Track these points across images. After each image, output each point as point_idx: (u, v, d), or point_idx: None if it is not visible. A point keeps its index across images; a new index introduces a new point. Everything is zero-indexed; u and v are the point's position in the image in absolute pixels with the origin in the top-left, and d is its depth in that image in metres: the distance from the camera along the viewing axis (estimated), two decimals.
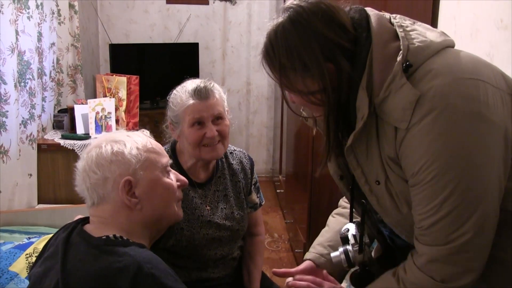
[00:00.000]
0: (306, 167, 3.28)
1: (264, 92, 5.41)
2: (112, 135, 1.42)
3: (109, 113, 3.37)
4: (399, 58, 1.21)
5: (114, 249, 1.23)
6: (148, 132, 1.49)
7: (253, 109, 5.49)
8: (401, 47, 1.22)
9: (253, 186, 2.09)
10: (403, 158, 1.23)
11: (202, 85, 1.84)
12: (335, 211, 1.78)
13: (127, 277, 1.16)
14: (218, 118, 1.88)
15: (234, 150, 2.11)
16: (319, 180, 3.11)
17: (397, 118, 1.20)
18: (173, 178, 1.45)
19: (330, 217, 1.77)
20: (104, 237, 1.28)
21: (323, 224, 1.79)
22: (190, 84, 1.87)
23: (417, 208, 1.23)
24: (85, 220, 1.39)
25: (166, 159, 1.43)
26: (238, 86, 5.39)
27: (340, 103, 1.28)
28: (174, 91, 1.92)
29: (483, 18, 1.72)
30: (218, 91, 1.90)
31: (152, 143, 1.42)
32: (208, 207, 1.95)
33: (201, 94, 1.84)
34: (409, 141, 1.20)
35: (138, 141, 1.39)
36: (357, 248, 1.48)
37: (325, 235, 1.72)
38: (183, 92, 1.87)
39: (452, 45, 1.29)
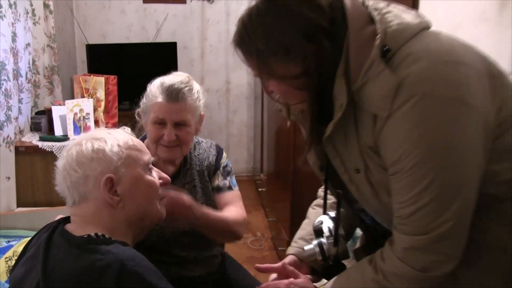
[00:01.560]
0: (288, 165, 3.27)
1: (243, 91, 5.40)
2: (92, 132, 1.40)
3: (88, 114, 3.34)
4: (376, 43, 1.17)
5: (96, 248, 1.21)
6: (129, 129, 1.48)
7: (232, 108, 5.47)
8: (378, 30, 1.18)
9: (219, 170, 2.03)
10: (382, 147, 1.21)
11: (177, 86, 1.82)
12: (315, 202, 1.75)
13: (111, 275, 1.15)
14: (181, 124, 1.85)
15: (202, 141, 2.08)
16: (300, 177, 3.09)
17: (377, 106, 1.17)
18: (155, 175, 1.44)
19: (310, 209, 1.74)
20: (86, 236, 1.26)
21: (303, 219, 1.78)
22: (169, 80, 1.85)
23: (396, 197, 1.21)
24: (67, 220, 1.37)
25: (148, 156, 1.42)
26: (218, 85, 5.36)
27: (320, 87, 1.23)
28: (155, 80, 1.90)
29: (464, 11, 1.68)
30: (192, 97, 1.86)
31: (133, 140, 1.40)
32: None
33: (171, 96, 1.82)
34: (389, 129, 1.17)
35: (119, 138, 1.37)
36: (332, 240, 1.46)
37: (306, 228, 1.70)
38: (157, 86, 1.86)
39: (429, 27, 1.25)
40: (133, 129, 1.58)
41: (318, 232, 1.50)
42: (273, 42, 1.18)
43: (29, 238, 1.43)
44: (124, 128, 1.47)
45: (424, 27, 1.23)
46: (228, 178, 2.02)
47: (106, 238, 1.27)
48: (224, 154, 2.06)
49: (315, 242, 1.50)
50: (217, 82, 5.35)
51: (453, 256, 1.20)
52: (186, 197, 1.65)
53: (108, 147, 1.33)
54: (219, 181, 2.00)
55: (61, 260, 1.22)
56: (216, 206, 1.97)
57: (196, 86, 1.89)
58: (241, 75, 5.29)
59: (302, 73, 1.21)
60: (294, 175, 3.16)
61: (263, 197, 4.64)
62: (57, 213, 1.53)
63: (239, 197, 2.02)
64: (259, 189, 4.76)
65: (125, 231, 1.33)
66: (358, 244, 1.67)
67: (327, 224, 1.49)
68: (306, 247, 1.52)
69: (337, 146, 1.31)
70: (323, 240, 1.48)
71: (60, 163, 1.35)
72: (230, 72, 5.33)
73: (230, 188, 2.00)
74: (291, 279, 1.54)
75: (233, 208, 1.93)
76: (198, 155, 2.02)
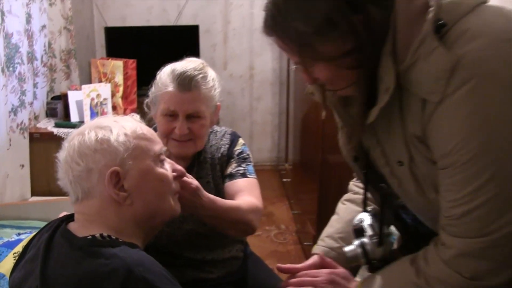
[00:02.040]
0: (315, 154, 3.19)
1: (268, 77, 5.31)
2: (97, 120, 1.31)
3: (105, 99, 3.29)
4: (429, 16, 1.07)
5: (100, 251, 1.12)
6: (138, 116, 1.38)
7: (256, 95, 5.37)
8: (431, 2, 1.08)
9: (233, 158, 1.89)
10: (431, 137, 1.11)
11: (189, 73, 1.71)
12: (345, 196, 1.65)
13: (116, 282, 1.06)
14: (194, 116, 1.75)
15: (217, 130, 1.96)
16: (329, 168, 3.03)
17: (427, 89, 1.07)
18: (168, 168, 1.35)
19: (340, 204, 1.65)
20: (90, 237, 1.17)
21: (333, 214, 1.68)
22: (180, 66, 1.75)
23: (446, 194, 1.11)
24: (70, 218, 1.29)
25: (159, 146, 1.32)
26: (241, 71, 5.28)
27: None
28: (165, 67, 1.80)
29: None
30: (207, 85, 1.75)
31: (142, 128, 1.30)
32: None
33: (183, 84, 1.71)
34: (440, 116, 1.07)
35: (127, 126, 1.28)
36: (376, 240, 1.36)
37: (335, 225, 1.60)
38: (167, 73, 1.76)
39: (486, 1, 1.13)
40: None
41: (359, 231, 1.40)
42: (314, 19, 1.07)
43: (33, 235, 1.35)
44: (133, 115, 1.38)
45: (482, 1, 1.11)
46: (244, 165, 1.88)
47: (112, 239, 1.18)
48: (240, 141, 1.93)
49: (356, 242, 1.40)
50: (240, 68, 5.27)
51: (509, 264, 1.09)
52: (192, 179, 1.52)
53: (113, 136, 1.24)
54: (232, 168, 1.86)
55: (61, 264, 1.14)
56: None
57: (211, 73, 1.79)
58: (265, 61, 5.22)
59: (353, 48, 1.10)
60: (322, 165, 3.08)
61: (287, 188, 4.56)
62: (66, 204, 1.46)
63: (255, 185, 1.84)
64: (284, 180, 4.66)
65: (133, 231, 1.25)
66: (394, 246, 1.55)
67: (367, 221, 1.41)
68: (347, 248, 1.42)
69: (378, 134, 1.22)
70: (366, 240, 1.38)
71: (61, 155, 1.27)
72: (254, 57, 5.24)
73: (244, 175, 1.84)
74: (331, 269, 1.45)
75: (246, 197, 1.76)
76: (211, 146, 1.91)
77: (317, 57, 1.12)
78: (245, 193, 1.77)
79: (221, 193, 1.82)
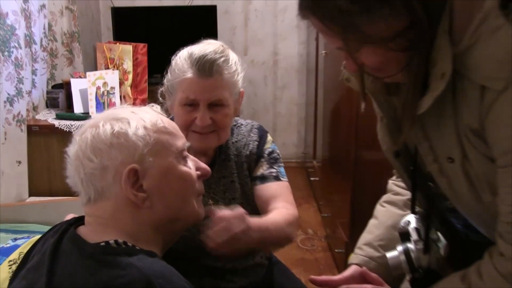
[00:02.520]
0: (348, 150, 3.16)
1: (294, 64, 5.30)
2: (112, 111, 1.31)
3: (112, 88, 3.25)
4: None
5: (115, 260, 1.11)
6: (158, 107, 1.38)
7: (281, 84, 5.38)
8: None
9: (264, 158, 1.88)
10: (491, 130, 1.07)
11: (210, 56, 1.71)
12: (385, 198, 1.64)
13: None
14: (216, 104, 1.74)
15: (241, 124, 1.96)
16: (363, 165, 3.01)
17: (488, 74, 1.04)
18: (192, 166, 1.34)
19: (378, 206, 1.64)
20: (103, 243, 1.16)
21: (368, 218, 1.66)
22: (199, 49, 1.74)
23: (506, 196, 1.09)
24: (80, 221, 1.28)
25: (182, 142, 1.32)
26: (264, 57, 5.28)
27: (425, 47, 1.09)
28: (181, 51, 1.79)
29: None
30: (229, 70, 1.75)
31: (164, 120, 1.31)
32: (211, 201, 1.83)
33: (204, 69, 1.71)
34: (503, 107, 1.03)
35: (146, 118, 1.28)
36: (422, 246, 1.34)
37: (374, 231, 1.58)
38: (185, 58, 1.75)
39: None
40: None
41: (404, 235, 1.38)
42: None
43: (37, 238, 1.35)
44: (153, 106, 1.38)
45: None
46: (276, 166, 1.88)
47: (129, 247, 1.17)
48: (269, 138, 1.93)
49: (400, 248, 1.38)
50: (263, 53, 5.27)
51: None
52: (238, 209, 1.51)
53: (131, 129, 1.24)
54: (264, 170, 1.87)
55: (70, 275, 1.12)
56: (254, 202, 1.85)
57: (233, 56, 1.79)
58: (291, 45, 5.21)
59: (406, 27, 1.07)
60: (355, 161, 3.05)
61: (315, 188, 4.55)
62: (76, 205, 1.44)
63: (288, 189, 1.86)
64: (311, 178, 4.65)
65: (152, 237, 1.25)
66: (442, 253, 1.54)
67: (413, 225, 1.39)
68: (389, 255, 1.40)
69: (426, 127, 1.21)
70: (411, 245, 1.36)
71: (71, 150, 1.27)
72: (279, 41, 5.25)
73: (277, 178, 1.85)
74: (377, 286, 1.44)
75: (281, 204, 1.77)
76: (235, 142, 1.91)
77: (364, 39, 1.09)
78: (280, 199, 1.79)
79: (247, 194, 1.85)
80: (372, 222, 1.62)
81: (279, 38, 5.22)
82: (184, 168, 1.30)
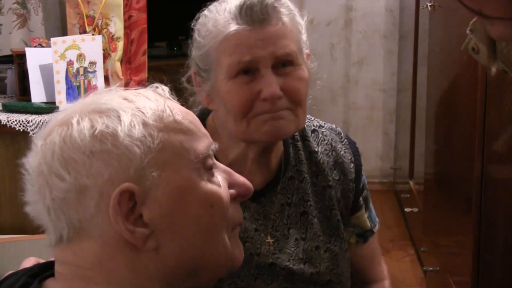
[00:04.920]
0: (469, 165, 2.66)
1: (378, 25, 4.33)
2: (93, 99, 1.12)
3: (93, 63, 2.81)
4: None
5: None
6: (165, 88, 1.17)
7: (357, 57, 4.38)
8: None
9: (361, 198, 1.70)
10: None
11: None
12: None
13: None
14: (285, 64, 1.50)
15: (320, 126, 1.72)
16: (494, 187, 2.51)
17: None
18: (222, 181, 1.13)
19: None
20: None
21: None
22: None
23: None
24: (47, 270, 1.11)
25: (205, 143, 1.11)
26: (330, 14, 4.32)
27: None
28: (205, 11, 1.57)
29: None
30: (289, 11, 1.54)
31: (174, 110, 1.10)
32: (270, 239, 1.63)
33: (253, 14, 1.49)
34: None
35: (147, 109, 1.08)
36: None
37: None
38: (220, 11, 1.53)
39: None
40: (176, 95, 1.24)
41: None
42: None
43: None
44: (157, 88, 1.16)
45: None
46: (367, 211, 1.72)
47: None
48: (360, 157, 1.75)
49: None
50: (329, 8, 4.32)
51: None
52: None
53: (123, 128, 1.03)
54: (362, 218, 1.73)
55: None
56: (346, 258, 1.67)
57: (288, 1, 1.59)
58: None
59: None
60: (482, 184, 2.54)
61: (413, 224, 3.83)
62: (34, 247, 1.43)
63: (377, 242, 1.79)
64: (406, 209, 3.90)
65: None
66: None
67: None
68: None
69: None
70: None
71: (31, 162, 1.08)
72: None
73: (371, 231, 1.72)
74: None
75: (375, 271, 1.74)
76: (312, 153, 1.67)
77: None
78: (377, 259, 1.77)
79: (334, 224, 1.65)
80: None
81: None
82: (210, 186, 1.11)
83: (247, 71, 1.49)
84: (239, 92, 1.50)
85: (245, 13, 1.46)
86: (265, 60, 1.47)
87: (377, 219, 1.75)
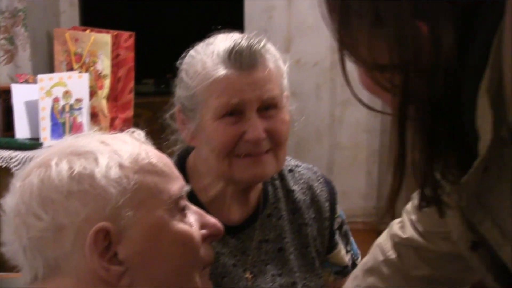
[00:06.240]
0: None
1: None
2: (72, 142, 1.17)
3: (79, 100, 2.98)
4: None
5: None
6: (141, 133, 1.23)
7: (342, 97, 4.46)
8: None
9: (337, 232, 1.74)
10: None
11: (244, 43, 1.52)
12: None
13: None
14: (269, 107, 1.55)
15: (297, 165, 1.77)
16: None
17: None
18: (194, 221, 1.17)
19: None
20: None
21: None
22: (222, 42, 1.57)
23: None
24: None
25: (178, 185, 1.17)
26: (317, 55, 4.44)
27: (437, 104, 1.03)
28: (192, 52, 1.61)
29: None
30: (273, 57, 1.58)
31: (149, 154, 1.16)
32: (248, 274, 1.65)
33: (242, 60, 1.52)
34: None
35: (123, 151, 1.13)
36: None
37: None
38: (208, 54, 1.57)
39: None
40: (161, 133, 1.56)
41: None
42: None
43: None
44: (133, 133, 1.23)
45: None
46: (349, 246, 1.78)
47: None
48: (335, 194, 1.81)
49: None
50: (315, 49, 4.41)
51: None
52: None
53: (100, 169, 1.10)
54: (339, 255, 1.78)
55: None
56: None
57: (271, 46, 1.64)
58: None
59: (391, 65, 1.02)
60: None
61: None
62: (17, 284, 1.43)
63: None
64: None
65: None
66: None
67: None
68: None
69: (484, 199, 1.12)
70: None
71: (9, 203, 1.13)
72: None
73: (354, 265, 1.75)
74: None
75: None
76: (291, 192, 1.73)
77: (349, 47, 1.09)
78: None
79: (310, 260, 1.72)
80: None
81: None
82: (182, 226, 1.16)
83: (233, 112, 1.56)
84: (225, 132, 1.57)
85: (234, 58, 1.53)
86: (252, 103, 1.54)
87: (358, 252, 1.82)
